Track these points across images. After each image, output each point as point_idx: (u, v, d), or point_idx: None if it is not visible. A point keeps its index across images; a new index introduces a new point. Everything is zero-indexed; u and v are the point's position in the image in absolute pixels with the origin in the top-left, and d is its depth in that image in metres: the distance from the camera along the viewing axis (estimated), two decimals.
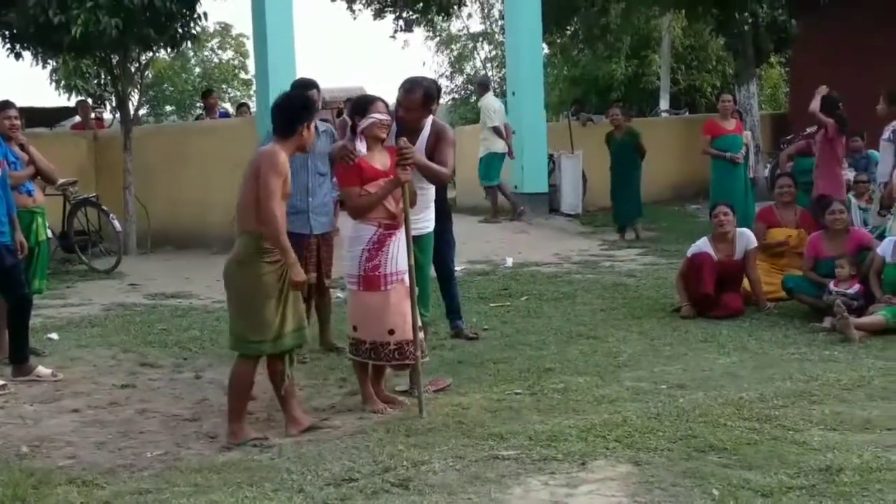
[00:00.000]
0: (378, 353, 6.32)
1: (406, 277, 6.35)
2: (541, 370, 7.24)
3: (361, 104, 6.42)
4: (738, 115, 15.95)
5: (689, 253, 9.46)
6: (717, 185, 13.43)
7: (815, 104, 10.28)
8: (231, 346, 6.04)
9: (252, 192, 5.71)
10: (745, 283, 9.44)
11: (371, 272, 6.28)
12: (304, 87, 7.86)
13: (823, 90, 10.79)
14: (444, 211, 8.41)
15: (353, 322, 6.41)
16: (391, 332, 6.28)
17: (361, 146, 6.31)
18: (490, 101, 17.00)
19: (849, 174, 11.69)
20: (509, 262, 12.70)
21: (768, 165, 18.57)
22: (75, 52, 14.20)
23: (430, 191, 6.84)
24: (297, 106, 5.99)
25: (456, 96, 35.95)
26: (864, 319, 8.23)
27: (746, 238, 9.40)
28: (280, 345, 5.81)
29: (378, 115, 6.31)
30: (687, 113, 24.52)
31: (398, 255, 6.30)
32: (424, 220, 6.80)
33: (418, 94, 6.65)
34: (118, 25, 12.72)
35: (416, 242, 6.51)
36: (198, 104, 39.76)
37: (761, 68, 23.85)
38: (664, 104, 24.82)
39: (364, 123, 6.31)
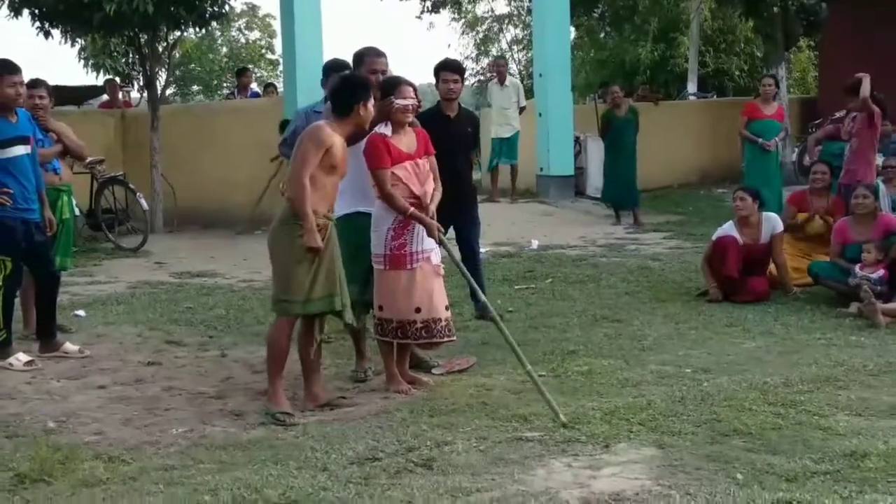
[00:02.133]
0: (405, 331, 6.34)
1: (432, 256, 6.36)
2: (565, 352, 7.24)
3: (388, 87, 6.40)
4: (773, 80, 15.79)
5: (715, 236, 9.42)
6: (750, 170, 13.34)
7: (867, 89, 10.14)
8: (271, 306, 6.26)
9: (295, 162, 5.90)
10: (772, 267, 9.40)
11: (397, 251, 6.29)
12: (337, 69, 7.83)
13: (867, 76, 10.65)
14: (469, 192, 8.43)
15: (380, 301, 6.41)
16: (418, 310, 6.30)
17: (387, 129, 6.31)
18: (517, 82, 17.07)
19: (878, 159, 11.58)
20: (535, 244, 12.68)
21: (796, 150, 18.44)
22: (105, 30, 14.22)
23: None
24: (353, 85, 6.08)
25: (482, 78, 35.82)
26: (891, 305, 8.19)
27: (773, 222, 9.34)
28: (309, 307, 5.92)
29: (403, 101, 6.28)
30: (715, 96, 24.37)
31: (424, 233, 6.30)
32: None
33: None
34: (153, 1, 12.74)
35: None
36: (225, 84, 39.96)
37: (790, 52, 23.65)
38: (692, 87, 24.66)
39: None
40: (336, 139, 5.89)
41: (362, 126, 6.11)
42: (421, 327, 6.32)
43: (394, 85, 6.39)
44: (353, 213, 6.59)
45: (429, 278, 6.34)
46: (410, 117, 6.41)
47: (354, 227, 6.53)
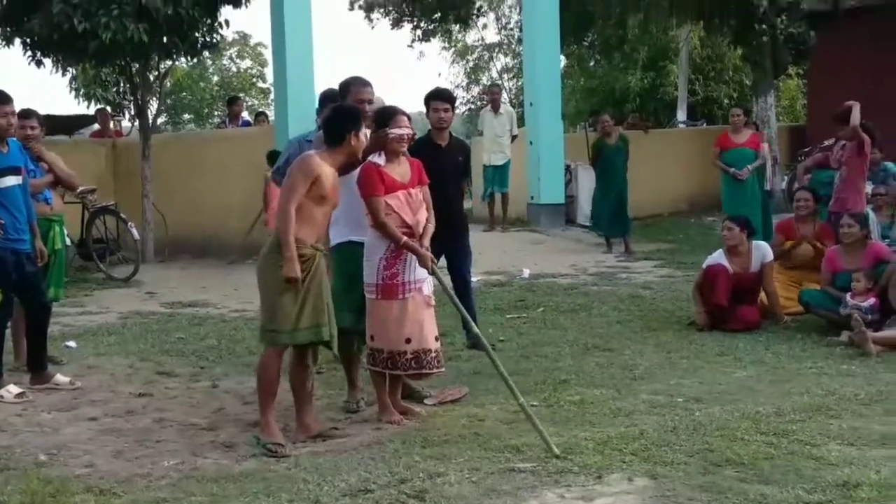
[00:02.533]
0: (395, 362, 6.33)
1: (424, 286, 6.37)
2: (557, 382, 7.24)
3: (384, 116, 6.41)
4: (756, 126, 15.90)
5: (705, 265, 9.44)
6: (727, 198, 13.59)
7: (856, 117, 10.19)
8: (259, 337, 6.28)
9: (283, 191, 5.96)
10: (763, 296, 9.42)
11: (389, 280, 6.28)
12: (333, 98, 7.85)
13: (857, 104, 10.70)
14: (460, 221, 8.44)
15: (371, 331, 6.40)
16: (408, 340, 6.29)
17: (380, 158, 6.32)
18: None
19: (867, 187, 11.63)
20: (526, 273, 12.69)
21: (786, 178, 18.50)
22: (97, 59, 14.26)
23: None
24: (345, 114, 6.11)
25: (472, 107, 35.93)
26: (882, 333, 8.20)
27: (762, 251, 9.36)
28: (296, 336, 5.93)
29: (398, 130, 6.30)
30: (704, 124, 24.47)
31: (416, 263, 6.30)
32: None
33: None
34: (146, 30, 12.79)
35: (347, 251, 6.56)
36: (216, 113, 40.02)
37: (779, 80, 23.78)
38: (681, 115, 24.78)
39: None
40: (325, 169, 5.90)
41: (354, 156, 6.13)
42: (411, 358, 6.31)
43: (389, 115, 6.40)
44: (346, 242, 6.60)
45: (420, 309, 6.33)
46: (405, 147, 6.42)
47: (348, 257, 6.54)
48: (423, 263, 6.30)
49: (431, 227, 6.44)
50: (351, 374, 6.88)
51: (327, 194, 5.93)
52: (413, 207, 6.34)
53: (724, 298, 9.04)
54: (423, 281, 6.37)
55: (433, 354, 6.39)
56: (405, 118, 6.41)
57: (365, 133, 6.17)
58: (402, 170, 6.40)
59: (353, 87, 6.81)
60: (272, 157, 12.68)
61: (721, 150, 13.63)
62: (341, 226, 6.54)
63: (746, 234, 9.31)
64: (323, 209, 5.97)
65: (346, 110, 6.21)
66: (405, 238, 6.25)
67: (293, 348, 6.05)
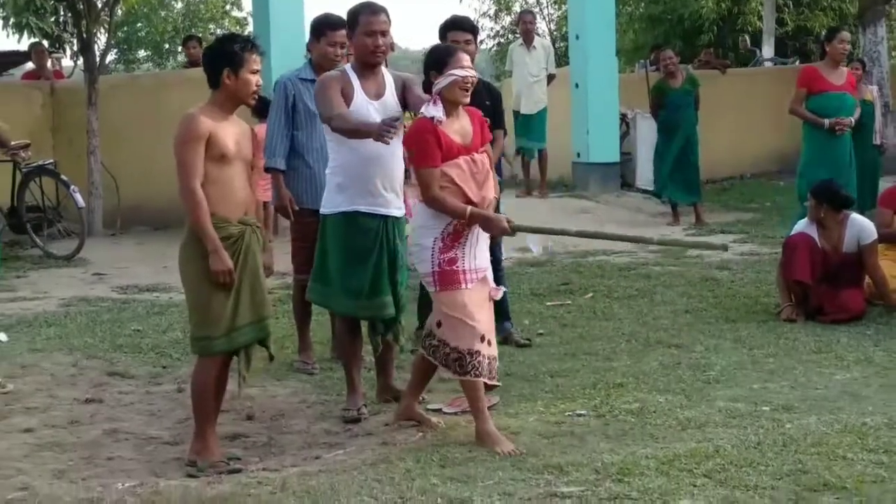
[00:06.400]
0: (465, 364, 6.19)
1: (487, 276, 6.34)
2: (610, 386, 7.25)
3: (440, 56, 6.28)
4: (862, 64, 15.79)
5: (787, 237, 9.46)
6: (809, 161, 11.53)
7: None
8: (190, 346, 6.31)
9: (178, 172, 5.98)
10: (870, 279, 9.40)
11: (447, 266, 6.19)
12: (331, 26, 7.85)
13: None
14: None
15: (438, 318, 6.30)
16: (483, 339, 6.22)
17: (437, 111, 6.15)
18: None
19: None
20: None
21: None
22: None
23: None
24: (214, 53, 6.13)
25: (502, 41, 35.85)
26: None
27: (858, 227, 9.27)
28: (236, 339, 6.00)
29: (460, 72, 6.16)
30: (797, 63, 24.37)
31: (478, 247, 6.26)
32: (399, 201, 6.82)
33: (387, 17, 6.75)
34: None
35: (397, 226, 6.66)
36: (179, 50, 40.04)
37: (891, 5, 23.65)
38: (768, 51, 24.67)
39: (443, 82, 6.15)
40: (212, 123, 5.92)
41: (240, 97, 6.07)
42: (487, 361, 6.24)
43: (446, 54, 6.28)
44: (352, 212, 6.62)
45: (485, 302, 6.31)
46: (467, 96, 6.27)
47: (355, 229, 6.59)
48: (499, 228, 6.20)
49: (496, 198, 6.39)
50: (351, 374, 6.90)
51: (229, 151, 5.95)
52: (478, 179, 6.22)
53: (806, 274, 9.02)
54: (486, 269, 6.33)
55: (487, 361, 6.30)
56: (466, 57, 6.27)
57: (252, 69, 6.05)
58: (461, 126, 6.27)
59: (362, 15, 6.75)
60: (261, 105, 12.71)
61: (808, 93, 11.68)
62: (350, 192, 6.57)
63: (829, 208, 9.23)
64: (233, 169, 5.99)
65: (215, 48, 6.21)
66: (469, 207, 6.12)
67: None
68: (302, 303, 8.01)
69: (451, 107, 6.20)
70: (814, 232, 9.26)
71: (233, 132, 6.01)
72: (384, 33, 6.73)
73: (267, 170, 7.94)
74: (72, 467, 6.07)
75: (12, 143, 12.33)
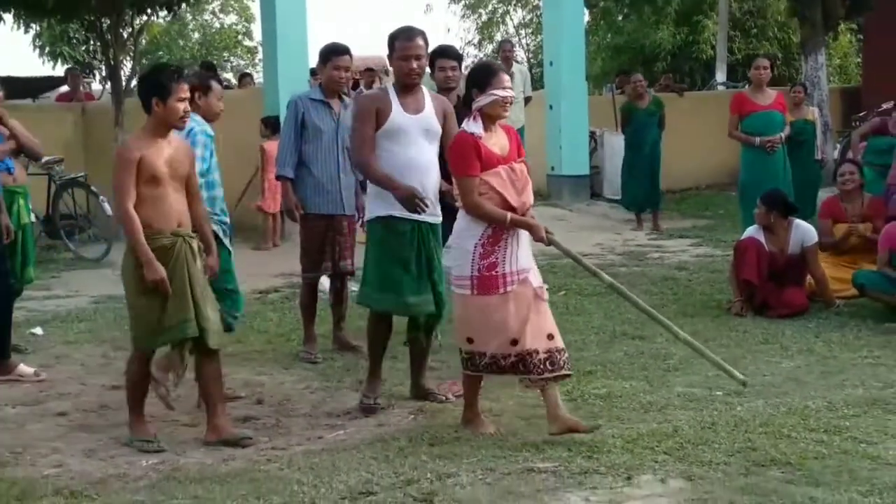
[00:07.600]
0: (500, 365, 6.04)
1: (531, 277, 6.07)
2: (581, 373, 7.23)
3: (482, 75, 6.13)
4: (804, 87, 15.76)
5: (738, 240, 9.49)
6: (746, 177, 11.81)
7: None
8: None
9: (114, 192, 6.06)
10: (811, 278, 9.42)
11: (486, 272, 5.96)
12: (337, 52, 7.86)
13: None
14: None
15: (468, 333, 6.04)
16: (514, 342, 5.93)
17: (477, 126, 6.03)
18: None
19: None
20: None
21: (838, 146, 18.45)
22: (62, 14, 14.25)
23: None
24: (145, 82, 6.15)
25: None
26: None
27: (802, 231, 9.31)
28: (160, 338, 6.02)
29: (501, 92, 6.03)
30: (746, 86, 24.37)
31: (519, 250, 6.05)
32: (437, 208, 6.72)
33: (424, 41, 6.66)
34: None
35: (432, 231, 6.58)
36: None
37: (830, 36, 23.69)
38: (720, 76, 24.69)
39: (484, 100, 6.00)
40: (144, 147, 5.93)
41: (169, 123, 6.04)
42: (516, 360, 5.96)
43: (490, 72, 6.14)
44: (388, 216, 6.53)
45: (524, 304, 5.98)
46: (508, 113, 6.15)
47: (392, 232, 6.52)
48: (537, 235, 6.06)
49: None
50: (376, 363, 6.76)
51: (159, 172, 5.92)
52: (518, 186, 6.07)
53: (754, 274, 9.05)
54: (529, 270, 6.08)
55: (541, 356, 5.93)
56: (507, 77, 6.14)
57: (179, 97, 5.98)
58: (500, 140, 6.13)
59: (398, 40, 6.62)
60: (269, 122, 12.70)
61: (740, 116, 11.82)
62: (387, 199, 6.45)
63: (777, 214, 9.27)
64: (164, 189, 5.96)
65: (147, 77, 6.23)
66: (510, 213, 5.98)
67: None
68: (309, 299, 8.05)
69: (489, 122, 6.09)
70: (761, 236, 9.30)
71: (166, 153, 5.98)
72: (418, 57, 6.60)
73: (278, 178, 8.01)
74: (101, 447, 6.07)
75: (46, 157, 12.27)
